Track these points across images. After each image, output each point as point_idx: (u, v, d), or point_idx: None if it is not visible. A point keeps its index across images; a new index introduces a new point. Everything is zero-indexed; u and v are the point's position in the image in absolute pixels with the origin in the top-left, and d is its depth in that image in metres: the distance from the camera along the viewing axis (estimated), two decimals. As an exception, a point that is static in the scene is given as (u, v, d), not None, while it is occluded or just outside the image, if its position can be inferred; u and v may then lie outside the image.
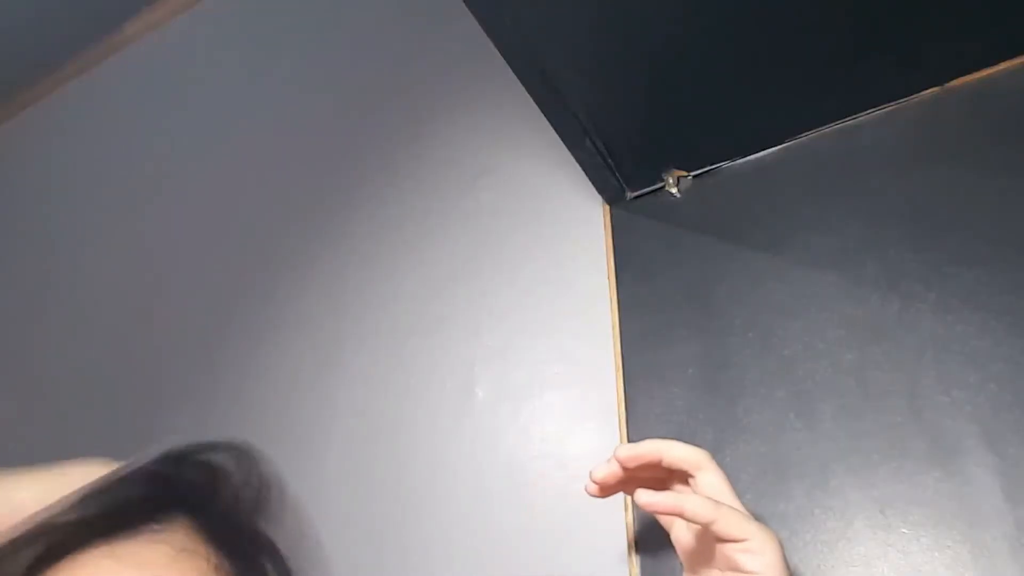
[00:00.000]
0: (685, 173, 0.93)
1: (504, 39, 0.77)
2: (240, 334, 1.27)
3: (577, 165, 0.92)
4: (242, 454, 0.49)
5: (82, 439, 1.33)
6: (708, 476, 0.62)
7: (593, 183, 0.95)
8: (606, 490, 0.66)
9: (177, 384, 1.31)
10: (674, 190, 0.93)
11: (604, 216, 0.97)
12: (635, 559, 0.77)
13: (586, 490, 0.67)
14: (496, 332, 1.01)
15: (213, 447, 0.48)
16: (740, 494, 0.62)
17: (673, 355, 0.84)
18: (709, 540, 0.60)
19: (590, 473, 0.66)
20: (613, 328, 0.90)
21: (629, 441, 0.83)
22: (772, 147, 0.89)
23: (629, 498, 0.80)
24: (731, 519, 0.57)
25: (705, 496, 0.59)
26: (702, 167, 0.92)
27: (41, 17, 1.76)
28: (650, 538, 0.77)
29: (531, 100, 0.83)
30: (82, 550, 0.38)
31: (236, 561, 0.43)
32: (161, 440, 0.46)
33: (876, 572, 0.66)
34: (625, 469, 0.64)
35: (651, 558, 0.76)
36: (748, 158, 0.90)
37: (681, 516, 0.57)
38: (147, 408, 1.31)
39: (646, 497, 0.59)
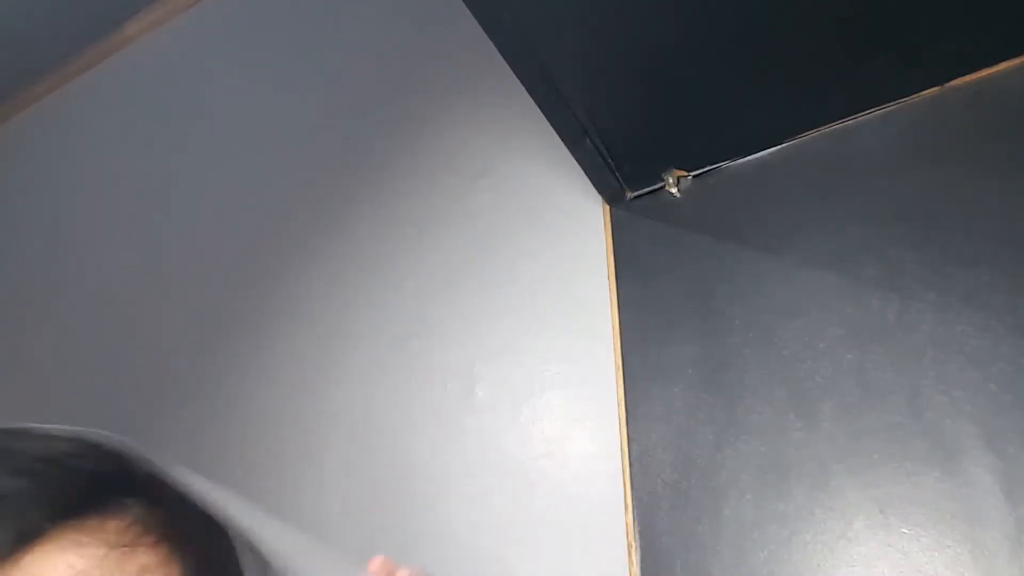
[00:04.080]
0: (685, 173, 0.93)
1: (504, 39, 0.77)
2: (241, 334, 1.27)
3: (577, 165, 0.92)
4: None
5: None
6: None
7: (593, 183, 0.95)
8: None
9: (178, 384, 1.31)
10: (674, 190, 0.93)
11: (604, 216, 0.97)
12: (635, 559, 0.77)
13: None
14: (496, 332, 1.01)
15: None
16: (740, 494, 0.62)
17: (673, 355, 0.84)
18: None
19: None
20: (613, 328, 0.90)
21: (629, 440, 0.83)
22: (772, 147, 0.89)
23: (629, 498, 0.80)
24: None
25: None
26: (702, 167, 0.92)
27: (41, 17, 1.76)
28: (650, 538, 0.77)
29: (531, 100, 0.83)
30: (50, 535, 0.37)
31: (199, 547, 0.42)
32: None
33: (876, 572, 0.66)
34: None
35: (651, 558, 0.76)
36: (748, 158, 0.90)
37: None
38: (147, 408, 1.31)
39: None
